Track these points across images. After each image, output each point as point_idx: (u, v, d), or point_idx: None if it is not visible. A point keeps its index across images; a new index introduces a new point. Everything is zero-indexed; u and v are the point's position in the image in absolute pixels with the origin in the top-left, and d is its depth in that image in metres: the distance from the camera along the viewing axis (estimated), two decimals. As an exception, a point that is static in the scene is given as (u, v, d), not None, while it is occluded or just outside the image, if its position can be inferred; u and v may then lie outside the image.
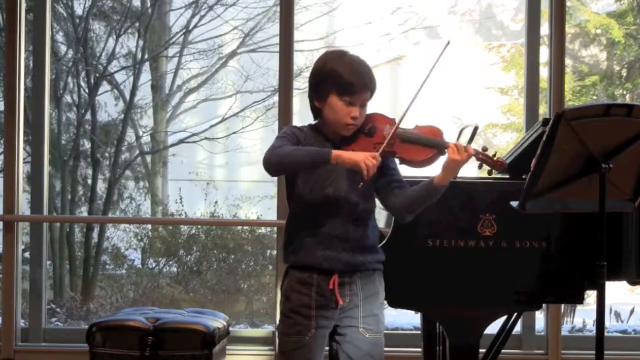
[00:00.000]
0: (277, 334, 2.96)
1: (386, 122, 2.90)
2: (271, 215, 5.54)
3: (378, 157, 2.73)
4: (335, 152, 2.74)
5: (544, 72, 5.32)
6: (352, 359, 2.91)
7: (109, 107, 6.54)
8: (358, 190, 2.84)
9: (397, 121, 2.85)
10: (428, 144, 2.84)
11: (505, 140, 6.93)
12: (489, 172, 2.89)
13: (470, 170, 3.07)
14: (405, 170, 2.97)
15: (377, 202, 3.00)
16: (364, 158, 2.71)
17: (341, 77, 2.82)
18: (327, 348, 2.99)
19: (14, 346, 5.11)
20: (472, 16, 7.36)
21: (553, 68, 5.10)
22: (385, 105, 3.06)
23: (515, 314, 3.60)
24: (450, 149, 2.77)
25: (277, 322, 2.97)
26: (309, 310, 2.87)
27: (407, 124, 2.88)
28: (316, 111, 2.94)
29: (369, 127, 2.88)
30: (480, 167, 2.86)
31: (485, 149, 2.82)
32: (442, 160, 2.83)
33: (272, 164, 2.78)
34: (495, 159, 2.81)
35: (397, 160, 2.91)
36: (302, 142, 2.87)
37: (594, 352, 2.89)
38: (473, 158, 2.82)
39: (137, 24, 6.56)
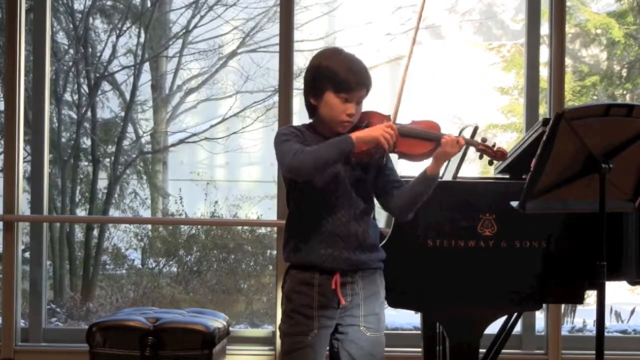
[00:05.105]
0: (279, 334, 2.96)
1: (382, 118, 2.90)
2: (271, 215, 5.53)
3: (393, 125, 2.76)
4: (355, 135, 2.75)
5: (544, 72, 5.31)
6: (353, 358, 2.90)
7: (108, 106, 6.53)
8: (359, 188, 2.84)
9: (392, 117, 2.86)
10: (427, 137, 2.85)
11: (506, 141, 6.92)
12: (490, 162, 2.93)
13: (471, 170, 3.07)
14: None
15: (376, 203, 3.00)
16: (382, 132, 2.74)
17: (337, 75, 2.82)
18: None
19: (14, 346, 5.11)
20: (472, 16, 7.35)
21: (553, 68, 5.10)
22: (385, 105, 3.05)
23: (515, 314, 3.60)
24: (444, 140, 2.81)
25: (280, 322, 2.96)
26: (311, 310, 2.86)
27: (403, 120, 2.89)
28: (312, 109, 2.93)
29: (365, 123, 2.88)
30: (480, 157, 2.89)
31: (484, 139, 2.87)
32: None
33: (308, 166, 2.73)
34: (495, 149, 2.87)
35: (395, 156, 2.91)
36: (303, 142, 2.85)
37: (594, 352, 2.89)
38: (473, 149, 2.85)
39: (137, 24, 6.56)
